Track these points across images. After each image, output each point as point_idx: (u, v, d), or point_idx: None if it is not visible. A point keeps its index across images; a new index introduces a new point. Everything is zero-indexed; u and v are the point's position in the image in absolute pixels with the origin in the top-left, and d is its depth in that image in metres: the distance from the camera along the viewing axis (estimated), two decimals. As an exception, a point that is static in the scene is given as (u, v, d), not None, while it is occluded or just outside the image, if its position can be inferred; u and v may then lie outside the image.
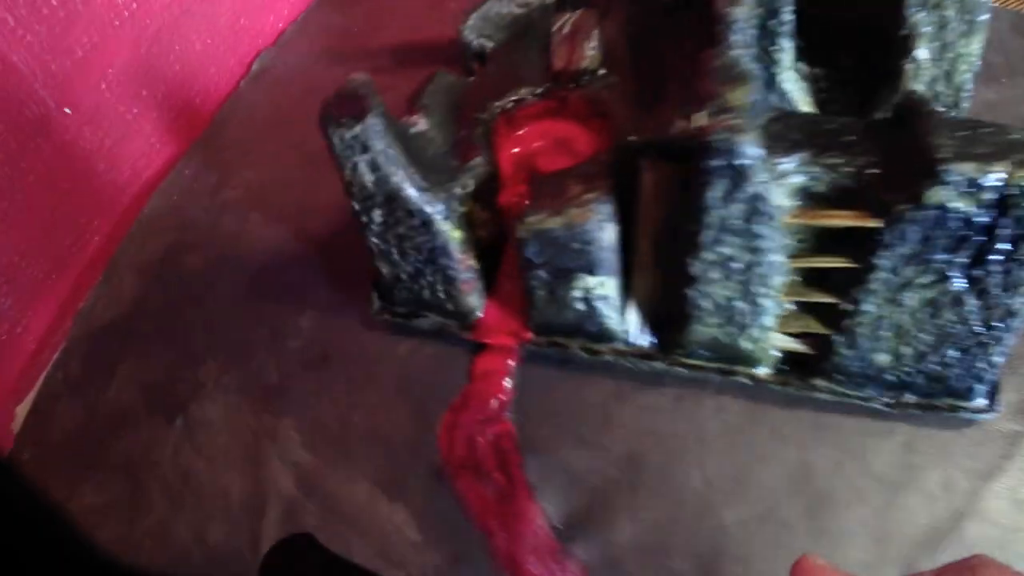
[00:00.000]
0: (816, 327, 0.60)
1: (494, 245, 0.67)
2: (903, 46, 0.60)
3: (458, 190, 0.60)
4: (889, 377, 0.60)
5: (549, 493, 0.62)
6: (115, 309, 0.79)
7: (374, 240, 0.63)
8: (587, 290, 0.59)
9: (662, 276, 0.63)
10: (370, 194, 0.58)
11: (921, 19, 0.58)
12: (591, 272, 0.58)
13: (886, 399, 0.61)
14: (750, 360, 0.63)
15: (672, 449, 0.62)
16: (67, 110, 0.76)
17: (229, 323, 0.76)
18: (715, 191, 0.52)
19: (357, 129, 0.54)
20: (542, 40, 0.70)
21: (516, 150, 0.68)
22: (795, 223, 0.55)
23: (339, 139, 0.55)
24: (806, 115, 0.58)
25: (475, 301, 0.66)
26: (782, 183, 0.52)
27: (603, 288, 0.59)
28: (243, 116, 0.96)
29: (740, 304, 0.59)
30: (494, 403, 0.66)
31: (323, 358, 0.72)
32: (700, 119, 0.51)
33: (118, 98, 0.80)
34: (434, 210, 0.58)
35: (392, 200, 0.58)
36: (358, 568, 0.50)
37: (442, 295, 0.65)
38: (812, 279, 0.59)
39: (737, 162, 0.50)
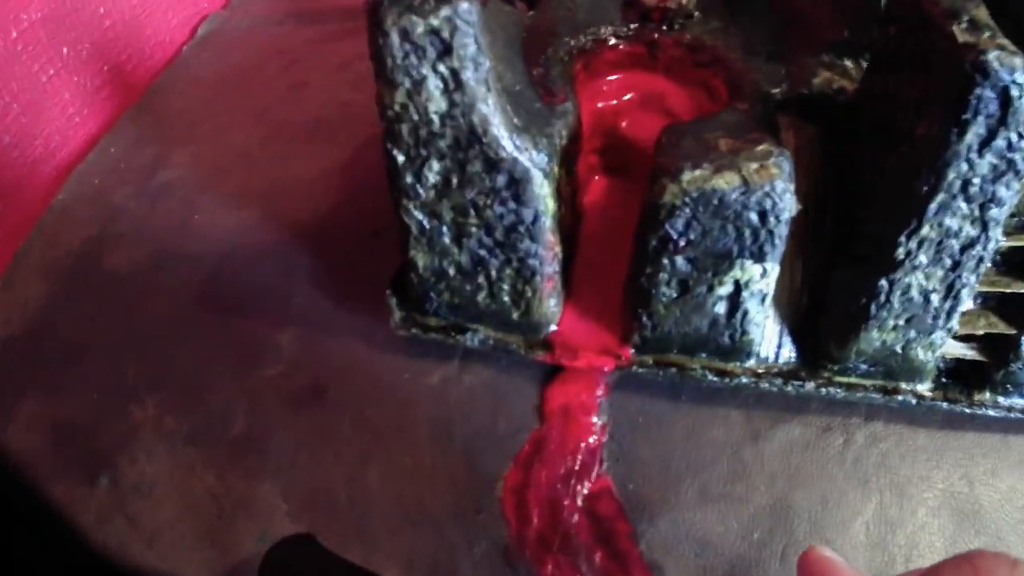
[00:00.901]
0: (1002, 327, 0.44)
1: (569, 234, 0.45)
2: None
3: (557, 139, 0.39)
4: (1061, 384, 0.47)
5: (674, 569, 0.42)
6: (16, 323, 0.56)
7: (417, 213, 0.40)
8: (744, 284, 0.39)
9: (809, 268, 0.44)
10: (434, 132, 0.35)
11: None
12: (759, 257, 0.38)
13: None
14: (916, 374, 0.46)
15: (826, 495, 0.45)
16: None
17: (173, 344, 0.51)
18: (972, 133, 0.34)
19: (442, 16, 0.31)
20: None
21: (600, 104, 0.47)
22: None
23: (402, 34, 0.32)
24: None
25: (553, 307, 0.44)
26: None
27: (763, 281, 0.39)
28: (186, 84, 0.72)
29: (936, 298, 0.41)
30: (581, 451, 0.44)
31: (316, 392, 0.48)
32: (962, 34, 0.33)
33: (31, 53, 0.61)
34: (533, 162, 0.37)
35: (469, 144, 0.36)
36: (358, 568, 0.40)
37: (507, 297, 0.43)
38: (1011, 265, 0.43)
39: (1016, 90, 0.32)
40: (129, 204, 0.61)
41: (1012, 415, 0.46)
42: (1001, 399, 0.46)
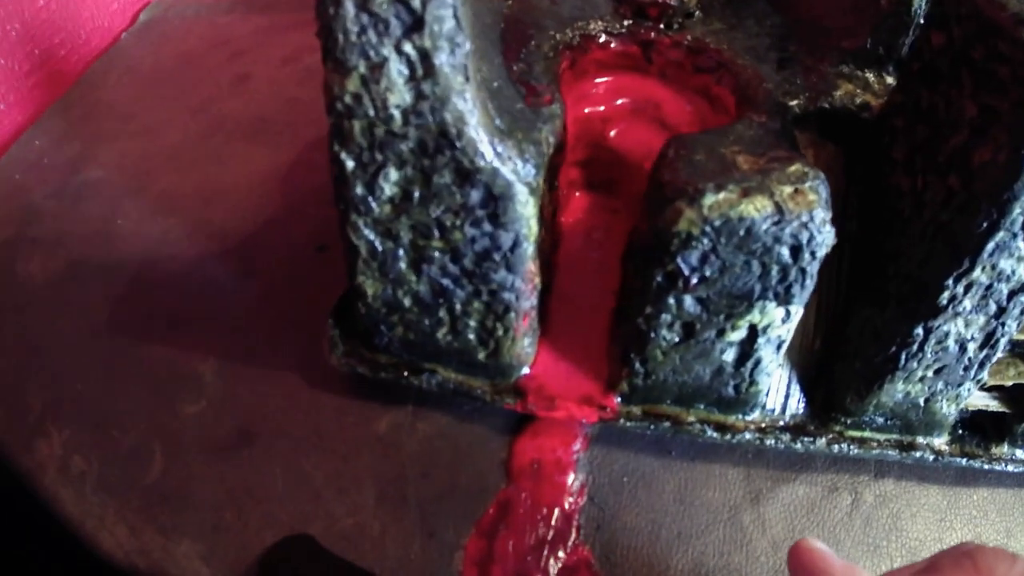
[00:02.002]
0: None
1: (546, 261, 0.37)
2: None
3: (544, 148, 0.30)
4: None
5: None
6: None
7: (367, 232, 0.31)
8: (761, 329, 0.31)
9: (824, 308, 0.37)
10: (394, 131, 0.27)
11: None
12: (784, 299, 0.30)
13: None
14: (934, 427, 0.39)
15: (832, 568, 0.37)
16: None
17: (85, 371, 0.42)
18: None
19: (412, -21, 0.22)
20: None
21: (587, 110, 0.39)
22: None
23: (358, 1, 0.23)
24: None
25: (527, 347, 0.36)
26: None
27: (784, 326, 0.32)
28: (122, 73, 0.62)
29: (972, 347, 0.34)
30: (555, 516, 0.36)
31: (243, 437, 0.39)
32: None
33: (-51, 32, 0.52)
34: (518, 175, 0.28)
35: (437, 149, 0.27)
36: (358, 569, 0.35)
37: (473, 335, 0.34)
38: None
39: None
40: (49, 205, 0.51)
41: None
42: (1020, 452, 0.40)
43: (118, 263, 0.47)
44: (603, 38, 0.40)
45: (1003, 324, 0.33)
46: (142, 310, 0.44)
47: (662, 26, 0.40)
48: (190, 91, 0.59)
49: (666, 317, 0.31)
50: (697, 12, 0.41)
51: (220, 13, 0.67)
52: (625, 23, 0.40)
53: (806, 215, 0.28)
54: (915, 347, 0.33)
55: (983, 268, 0.30)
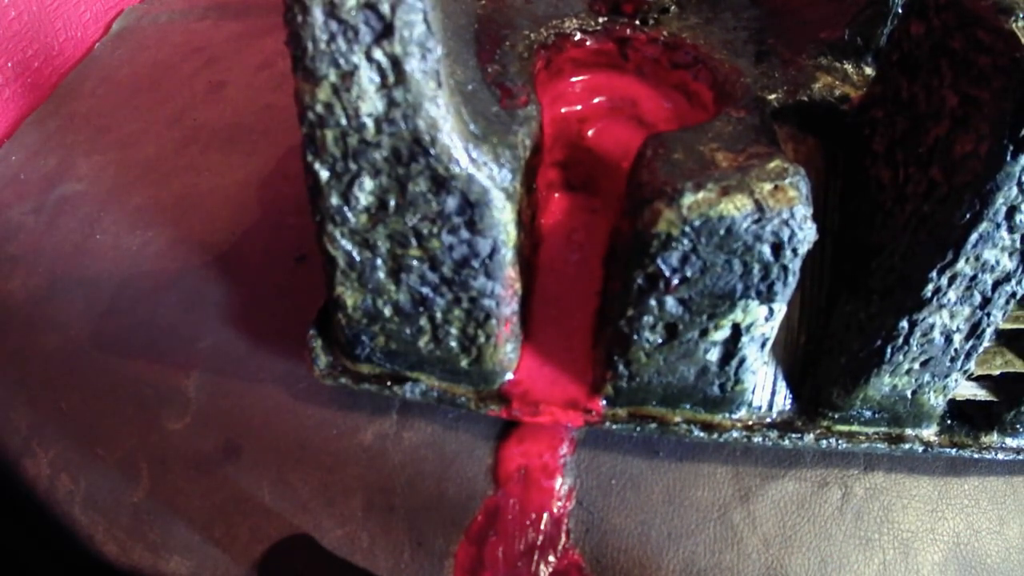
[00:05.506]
0: (1019, 364, 0.38)
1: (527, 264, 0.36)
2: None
3: (520, 151, 0.30)
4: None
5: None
6: None
7: (344, 242, 0.30)
8: (744, 327, 0.31)
9: (807, 302, 0.37)
10: (367, 140, 0.26)
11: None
12: (767, 297, 0.30)
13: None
14: (920, 419, 0.38)
15: (826, 558, 0.37)
16: None
17: (68, 388, 0.42)
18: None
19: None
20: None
21: (563, 110, 0.39)
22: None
23: (328, 8, 0.22)
24: None
25: (509, 353, 0.35)
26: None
27: (768, 324, 0.31)
28: (97, 84, 0.61)
29: (958, 338, 0.34)
30: (544, 521, 0.35)
31: (229, 451, 0.39)
32: (1022, 33, 0.26)
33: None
34: (494, 180, 0.27)
35: (412, 156, 0.26)
36: (357, 569, 0.36)
37: (455, 343, 0.34)
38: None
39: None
40: (27, 221, 0.50)
41: (1021, 457, 0.40)
42: (1009, 440, 0.39)
43: (98, 278, 0.46)
44: (578, 36, 0.39)
45: (988, 314, 0.33)
46: (122, 326, 0.43)
47: (637, 22, 0.40)
48: (166, 100, 0.58)
49: (648, 319, 0.31)
50: (673, 7, 0.41)
51: (194, 20, 0.66)
52: (600, 20, 0.40)
53: (787, 212, 0.27)
54: (900, 340, 0.33)
55: (967, 259, 0.30)
